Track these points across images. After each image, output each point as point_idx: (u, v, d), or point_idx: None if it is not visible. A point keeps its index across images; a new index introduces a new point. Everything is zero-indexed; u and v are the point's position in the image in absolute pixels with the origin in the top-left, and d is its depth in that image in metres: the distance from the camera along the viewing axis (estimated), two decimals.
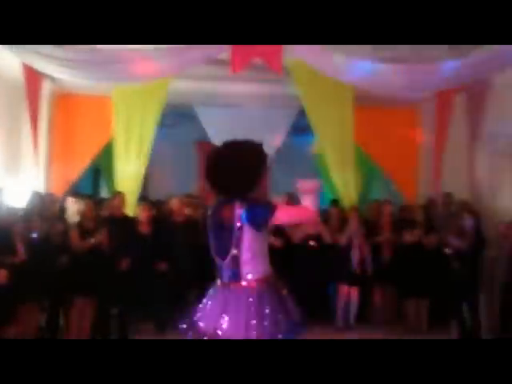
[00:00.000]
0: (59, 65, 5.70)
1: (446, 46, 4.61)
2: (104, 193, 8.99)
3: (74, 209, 5.84)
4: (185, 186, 7.65)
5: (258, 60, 5.66)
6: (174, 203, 6.30)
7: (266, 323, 2.55)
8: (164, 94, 6.67)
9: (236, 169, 2.64)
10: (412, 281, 6.13)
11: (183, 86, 6.78)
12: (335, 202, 7.23)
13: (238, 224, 2.58)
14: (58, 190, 6.99)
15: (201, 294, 6.86)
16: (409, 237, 6.22)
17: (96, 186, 9.56)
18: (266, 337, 2.53)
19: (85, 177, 8.19)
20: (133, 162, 6.78)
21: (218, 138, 7.72)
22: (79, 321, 5.37)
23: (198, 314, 2.77)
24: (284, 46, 5.36)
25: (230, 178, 2.65)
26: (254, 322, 2.54)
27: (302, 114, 7.31)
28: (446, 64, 5.19)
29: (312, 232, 6.38)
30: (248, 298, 2.60)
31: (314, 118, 6.84)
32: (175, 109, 7.85)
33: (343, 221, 6.51)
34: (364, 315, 6.57)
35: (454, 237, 5.69)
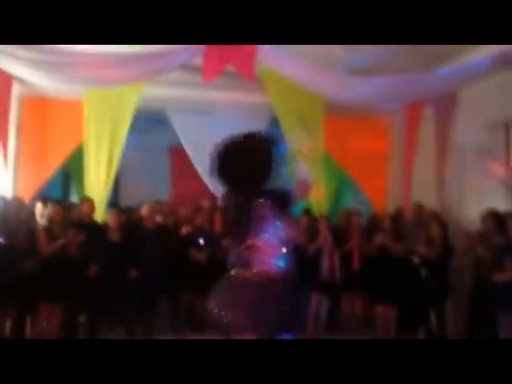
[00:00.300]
0: (28, 67, 5.63)
1: (412, 59, 4.70)
2: (74, 198, 8.85)
3: (42, 213, 5.74)
4: (156, 193, 7.59)
5: (231, 67, 5.69)
6: (145, 210, 6.25)
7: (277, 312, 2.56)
8: (136, 99, 6.62)
9: (250, 162, 2.66)
10: (380, 288, 6.21)
11: (156, 92, 6.76)
12: (306, 211, 7.29)
13: (259, 214, 2.60)
14: (27, 194, 6.85)
15: (171, 301, 6.83)
16: (376, 245, 6.32)
17: (66, 191, 9.41)
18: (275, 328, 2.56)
19: (55, 181, 8.06)
20: (103, 168, 6.70)
21: (190, 144, 7.72)
22: (46, 327, 5.27)
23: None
24: (257, 55, 5.39)
25: (245, 173, 2.66)
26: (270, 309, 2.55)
27: (275, 122, 7.37)
28: (415, 76, 5.30)
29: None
30: (264, 288, 2.59)
31: (285, 126, 6.90)
32: (147, 114, 7.81)
33: (314, 229, 6.56)
34: (334, 322, 6.63)
35: (423, 245, 5.79)
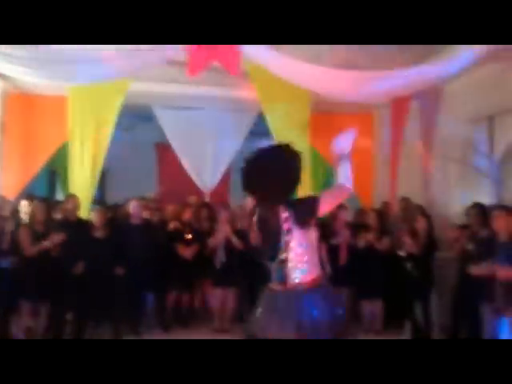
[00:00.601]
0: (12, 63, 5.55)
1: (397, 54, 4.72)
2: (60, 195, 8.78)
3: (26, 211, 5.70)
4: (143, 189, 7.56)
5: (217, 63, 5.67)
6: (131, 206, 6.23)
7: (313, 323, 2.55)
8: (122, 95, 6.59)
9: (277, 174, 2.64)
10: (367, 283, 6.26)
11: (142, 88, 6.71)
12: None
13: (286, 226, 2.59)
14: (12, 192, 6.78)
15: (158, 297, 6.84)
16: (362, 240, 6.36)
17: (52, 188, 9.34)
18: (313, 337, 2.51)
19: (40, 179, 7.98)
20: (88, 164, 6.65)
21: (176, 141, 7.70)
22: (33, 326, 5.23)
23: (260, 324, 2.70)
24: (243, 51, 5.38)
25: (271, 185, 2.63)
26: (305, 321, 2.54)
27: (261, 118, 7.37)
28: (400, 71, 5.33)
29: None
30: (298, 300, 2.60)
31: (272, 122, 6.91)
32: (133, 111, 7.76)
33: None
34: None
35: (408, 239, 5.83)
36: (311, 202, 2.62)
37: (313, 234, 2.70)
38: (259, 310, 2.73)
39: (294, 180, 2.70)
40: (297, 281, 2.62)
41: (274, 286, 2.69)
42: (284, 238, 2.60)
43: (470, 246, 5.03)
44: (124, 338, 5.81)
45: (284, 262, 2.62)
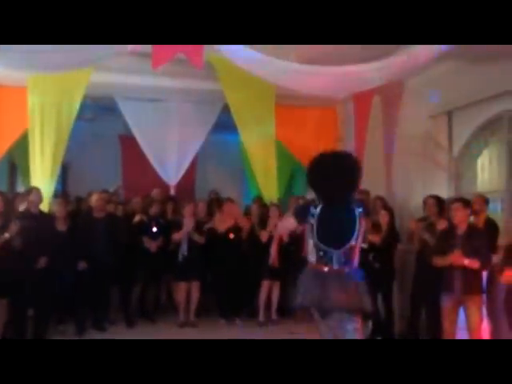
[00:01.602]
0: None
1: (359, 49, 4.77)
2: (20, 188, 8.57)
3: None
4: (106, 182, 7.44)
5: (180, 54, 5.62)
6: (94, 199, 6.13)
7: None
8: (83, 86, 6.46)
9: (347, 178, 3.26)
10: None
11: (105, 79, 6.59)
12: (258, 199, 7.34)
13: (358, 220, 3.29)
14: None
15: (123, 292, 6.77)
16: None
17: (12, 181, 9.10)
18: None
19: (0, 171, 7.78)
20: (48, 156, 6.51)
21: (140, 133, 7.60)
22: None
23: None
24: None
25: (341, 187, 3.26)
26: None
27: (226, 111, 7.36)
28: (362, 66, 5.40)
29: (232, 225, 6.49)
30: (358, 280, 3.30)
31: (236, 114, 6.91)
32: (96, 101, 7.62)
33: (265, 217, 6.62)
34: (284, 309, 6.75)
35: (370, 232, 5.93)
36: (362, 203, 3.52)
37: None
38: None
39: (354, 183, 3.34)
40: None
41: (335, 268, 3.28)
42: (357, 229, 3.28)
43: (427, 236, 5.16)
44: (88, 333, 5.75)
45: (351, 248, 3.29)
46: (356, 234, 3.27)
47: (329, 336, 3.33)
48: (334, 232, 3.29)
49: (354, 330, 3.28)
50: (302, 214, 3.49)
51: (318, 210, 3.31)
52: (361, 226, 3.28)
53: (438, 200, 5.40)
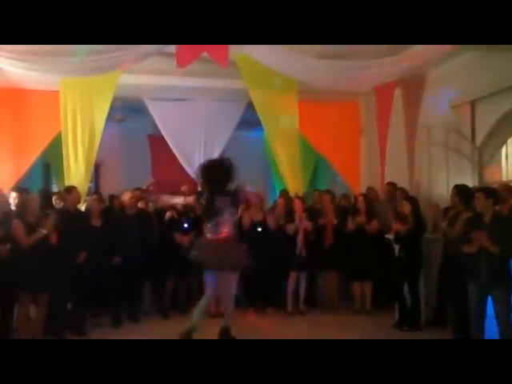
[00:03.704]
0: (5, 56, 5.62)
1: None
2: (54, 188, 8.88)
3: (17, 203, 5.76)
4: (136, 181, 7.68)
5: (205, 54, 5.79)
6: (126, 197, 6.35)
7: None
8: (113, 88, 6.69)
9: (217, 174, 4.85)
10: (356, 265, 6.47)
11: (133, 81, 6.83)
12: (283, 192, 7.48)
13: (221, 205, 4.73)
14: (6, 185, 6.88)
15: (154, 286, 7.01)
16: (351, 223, 6.56)
17: (47, 180, 9.44)
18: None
19: (35, 172, 8.08)
20: (82, 157, 6.77)
21: (168, 131, 7.82)
22: (35, 316, 5.32)
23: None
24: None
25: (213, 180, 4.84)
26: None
27: (250, 108, 7.50)
28: (382, 60, 5.48)
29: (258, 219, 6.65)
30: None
31: (260, 110, 7.04)
32: (125, 103, 7.86)
33: (291, 210, 6.75)
34: (312, 299, 6.88)
35: (396, 222, 6.00)
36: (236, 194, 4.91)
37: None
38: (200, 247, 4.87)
39: (226, 179, 4.80)
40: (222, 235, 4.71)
41: (210, 236, 4.78)
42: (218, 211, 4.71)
43: (443, 225, 5.21)
44: (123, 325, 5.97)
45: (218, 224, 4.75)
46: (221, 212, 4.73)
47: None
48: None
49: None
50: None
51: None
52: (225, 211, 4.72)
53: (463, 189, 5.40)
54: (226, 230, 4.73)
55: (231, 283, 4.94)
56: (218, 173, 4.70)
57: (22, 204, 5.27)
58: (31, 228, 5.14)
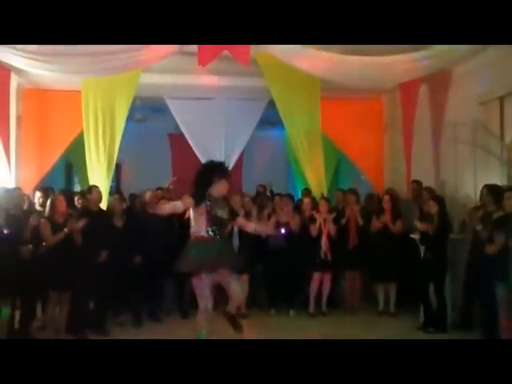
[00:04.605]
0: (27, 57, 5.65)
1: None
2: (77, 187, 8.95)
3: (41, 203, 5.80)
4: (158, 180, 7.67)
5: (226, 52, 5.74)
6: (147, 196, 6.34)
7: None
8: (133, 87, 6.69)
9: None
10: (380, 266, 6.35)
11: (153, 80, 6.82)
12: (307, 191, 7.39)
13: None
14: (29, 185, 6.95)
15: (176, 286, 6.99)
16: (376, 223, 6.44)
17: (68, 180, 9.52)
18: None
19: (57, 172, 8.14)
20: (103, 156, 6.79)
21: (189, 130, 7.79)
22: (57, 315, 5.35)
23: None
24: None
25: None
26: None
27: (270, 106, 7.43)
28: (408, 56, 5.36)
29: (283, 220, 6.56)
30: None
31: (282, 109, 6.96)
32: (145, 102, 7.86)
33: (314, 209, 6.66)
34: (334, 300, 6.78)
35: (422, 222, 5.88)
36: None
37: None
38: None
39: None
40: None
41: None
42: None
43: (479, 228, 5.07)
44: (144, 324, 5.97)
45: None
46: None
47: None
48: None
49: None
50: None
51: None
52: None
53: (494, 189, 5.24)
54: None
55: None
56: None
57: (50, 204, 5.31)
58: (57, 228, 5.20)
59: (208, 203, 4.35)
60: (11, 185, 6.51)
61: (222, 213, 4.44)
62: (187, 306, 6.52)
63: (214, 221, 4.34)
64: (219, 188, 4.42)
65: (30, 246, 5.20)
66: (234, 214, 4.69)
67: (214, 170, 4.47)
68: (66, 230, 5.19)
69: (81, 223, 5.25)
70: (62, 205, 5.35)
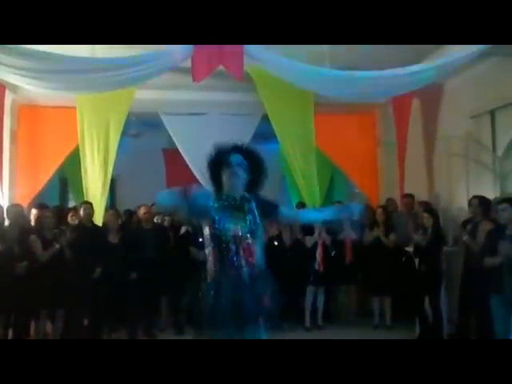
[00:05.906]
0: (21, 74, 5.66)
1: (396, 54, 4.80)
2: (72, 203, 8.93)
3: (36, 219, 5.81)
4: (152, 195, 7.67)
5: (220, 68, 5.78)
6: (142, 211, 6.36)
7: None
8: (128, 103, 6.71)
9: None
10: (374, 279, 6.35)
11: (148, 96, 6.85)
12: (300, 205, 7.40)
13: None
14: (24, 201, 6.93)
15: (171, 301, 6.89)
16: (369, 236, 6.46)
17: (63, 196, 9.50)
18: None
19: (52, 187, 8.12)
20: (99, 172, 6.78)
21: (183, 146, 7.81)
22: (49, 331, 5.33)
23: None
24: (244, 54, 5.48)
25: None
26: None
27: (264, 121, 7.48)
28: (399, 71, 5.42)
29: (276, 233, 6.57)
30: None
31: (276, 123, 7.00)
32: (139, 118, 7.89)
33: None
34: (330, 314, 6.76)
35: (416, 235, 5.90)
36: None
37: None
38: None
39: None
40: None
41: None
42: None
43: (466, 238, 5.12)
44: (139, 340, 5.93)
45: None
46: None
47: None
48: None
49: None
50: None
51: None
52: None
53: (483, 200, 5.30)
54: None
55: None
56: None
57: (37, 220, 5.32)
58: (47, 243, 5.18)
59: None
60: (5, 201, 6.49)
61: None
62: (182, 322, 6.50)
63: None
64: None
65: (25, 263, 5.19)
66: None
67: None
68: (56, 245, 5.20)
69: (63, 239, 5.24)
70: (48, 221, 5.35)
